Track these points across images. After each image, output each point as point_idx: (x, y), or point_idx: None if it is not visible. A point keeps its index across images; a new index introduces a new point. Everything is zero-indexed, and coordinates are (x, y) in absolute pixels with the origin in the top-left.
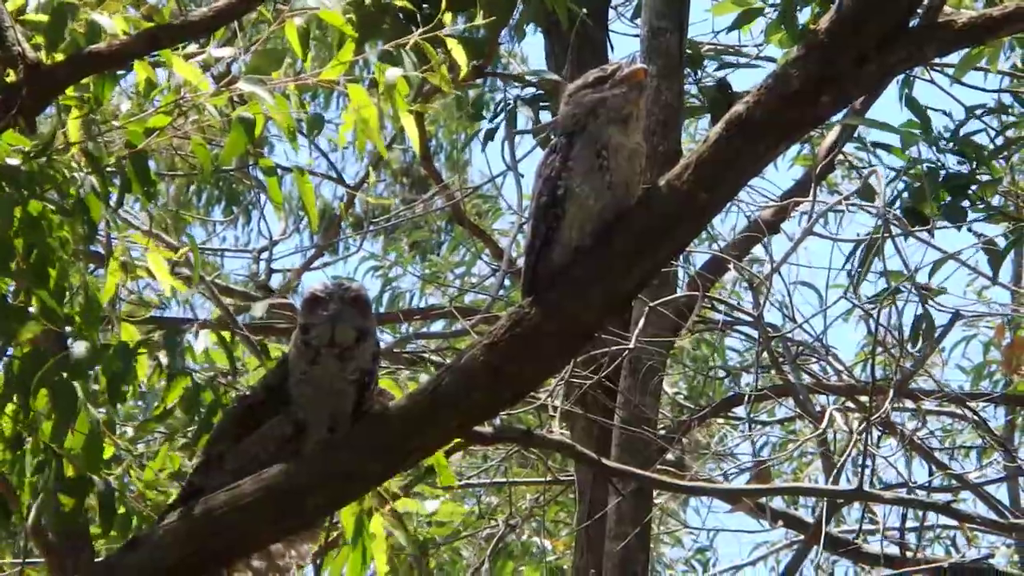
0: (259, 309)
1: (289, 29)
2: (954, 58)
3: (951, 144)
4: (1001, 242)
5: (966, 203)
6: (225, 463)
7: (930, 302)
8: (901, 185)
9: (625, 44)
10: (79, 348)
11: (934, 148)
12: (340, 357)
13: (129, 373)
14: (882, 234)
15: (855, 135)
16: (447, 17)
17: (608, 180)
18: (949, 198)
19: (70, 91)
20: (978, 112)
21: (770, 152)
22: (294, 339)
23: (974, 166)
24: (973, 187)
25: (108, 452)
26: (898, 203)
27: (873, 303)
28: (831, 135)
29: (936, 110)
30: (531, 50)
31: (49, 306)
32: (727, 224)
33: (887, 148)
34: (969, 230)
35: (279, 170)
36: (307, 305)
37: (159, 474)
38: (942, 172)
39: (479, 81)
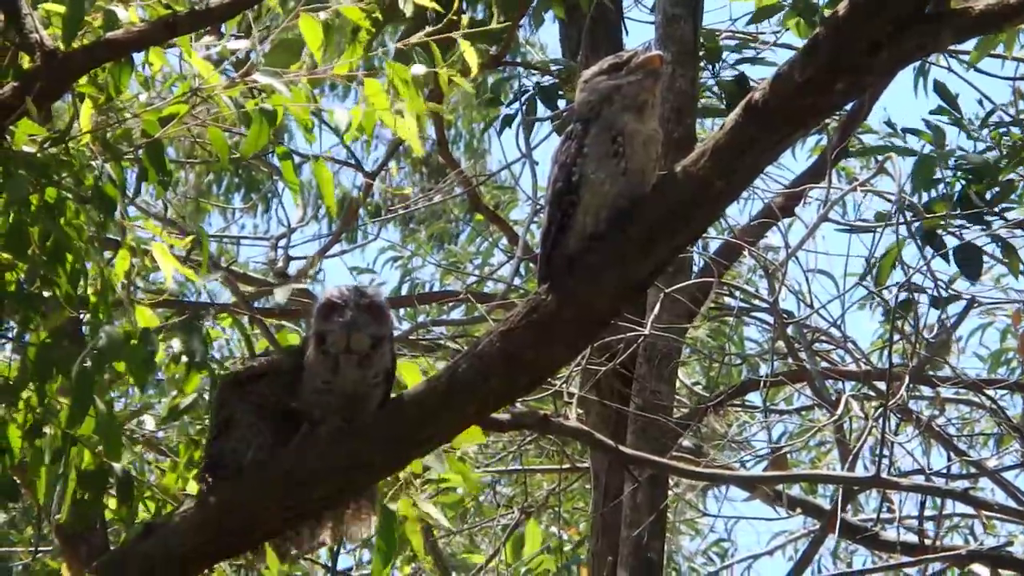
0: (281, 295)
1: (304, 23)
2: (969, 44)
3: (965, 163)
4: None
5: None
6: (233, 430)
7: (941, 287)
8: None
9: (641, 31)
10: (103, 337)
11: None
12: (360, 364)
13: (152, 362)
14: (897, 222)
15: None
16: (464, 19)
17: (623, 167)
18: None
19: (85, 81)
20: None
21: (786, 139)
22: (311, 347)
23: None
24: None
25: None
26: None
27: (879, 282)
28: (843, 121)
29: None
30: (547, 36)
31: (65, 292)
32: (744, 212)
33: (916, 133)
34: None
35: (297, 158)
36: (322, 311)
37: (182, 464)
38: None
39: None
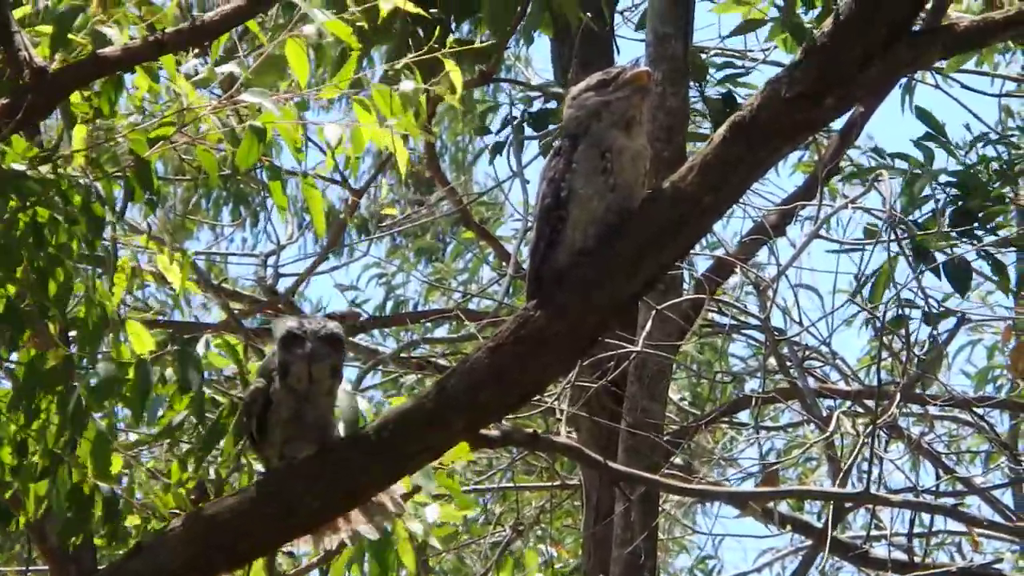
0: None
1: (290, 48)
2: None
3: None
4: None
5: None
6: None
7: (935, 306)
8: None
9: (632, 49)
10: (100, 370)
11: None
12: (328, 393)
13: (149, 395)
14: (888, 239)
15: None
16: (450, 40)
17: (612, 182)
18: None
19: (76, 98)
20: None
21: (774, 155)
22: (277, 380)
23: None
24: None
25: (117, 463)
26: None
27: (878, 307)
28: (834, 139)
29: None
30: (538, 53)
31: (53, 312)
32: (731, 228)
33: (904, 157)
34: (980, 254)
35: (285, 173)
36: (284, 343)
37: (172, 486)
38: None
39: (485, 89)
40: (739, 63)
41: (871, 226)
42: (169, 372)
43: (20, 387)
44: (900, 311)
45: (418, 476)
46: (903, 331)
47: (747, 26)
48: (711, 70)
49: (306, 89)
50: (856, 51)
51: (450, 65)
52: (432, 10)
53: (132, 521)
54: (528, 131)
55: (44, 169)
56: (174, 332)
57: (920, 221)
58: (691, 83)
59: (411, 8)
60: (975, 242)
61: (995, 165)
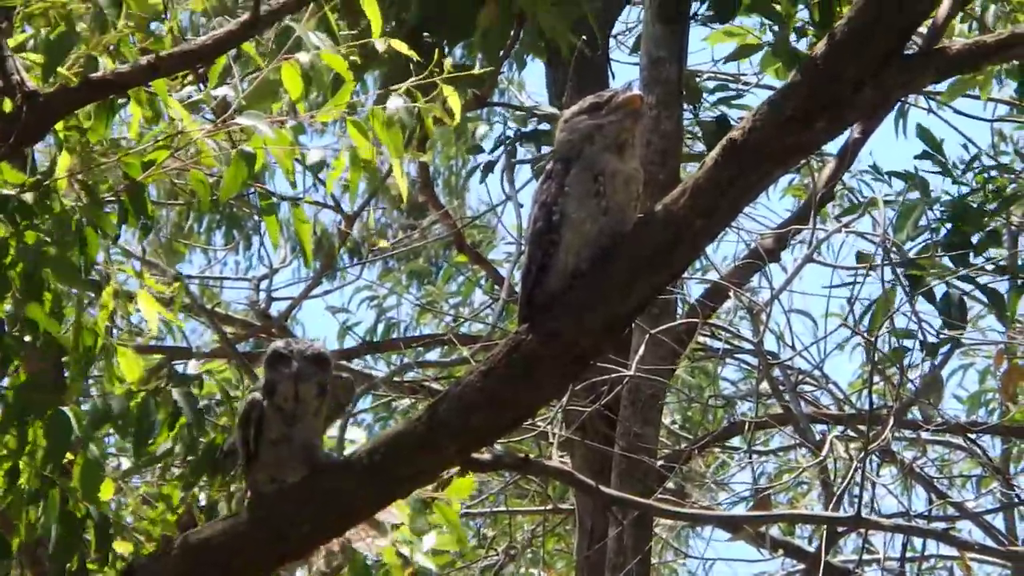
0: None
1: (285, 72)
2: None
3: (948, 212)
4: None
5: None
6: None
7: (928, 330)
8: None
9: (626, 73)
10: (95, 400)
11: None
12: (316, 413)
13: (151, 432)
14: (882, 264)
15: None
16: (447, 63)
17: (604, 206)
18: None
19: (60, 126)
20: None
21: (766, 178)
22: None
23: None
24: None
25: (108, 490)
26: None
27: (869, 329)
28: (831, 164)
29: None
30: (532, 77)
31: (45, 335)
32: (723, 251)
33: (903, 177)
34: (970, 280)
35: (277, 198)
36: (270, 362)
37: (163, 511)
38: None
39: (479, 111)
40: (733, 86)
41: (863, 252)
42: (162, 397)
43: (10, 412)
44: (895, 338)
45: (408, 508)
46: (896, 353)
47: (742, 52)
48: (705, 93)
49: (302, 113)
50: (849, 74)
51: (448, 91)
52: (424, 34)
53: (125, 548)
54: (521, 152)
55: (33, 195)
56: (167, 360)
57: (915, 249)
58: (686, 106)
59: (403, 49)
60: (970, 271)
61: (991, 186)
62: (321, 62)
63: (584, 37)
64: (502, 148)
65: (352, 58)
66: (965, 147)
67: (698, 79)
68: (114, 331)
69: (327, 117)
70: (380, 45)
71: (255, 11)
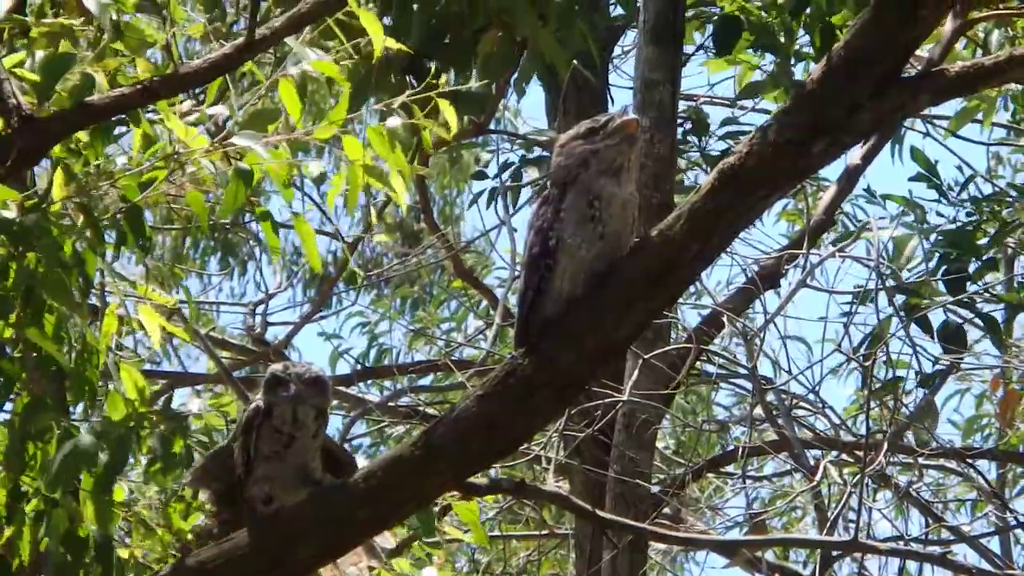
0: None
1: (283, 89)
2: (947, 109)
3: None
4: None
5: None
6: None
7: (924, 356)
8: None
9: (624, 97)
10: (89, 430)
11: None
12: (315, 435)
13: (124, 464)
14: (876, 286)
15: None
16: (443, 78)
17: (600, 231)
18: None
19: (58, 149)
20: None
21: (762, 202)
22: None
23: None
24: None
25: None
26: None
27: (866, 355)
28: (830, 191)
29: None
30: (532, 101)
31: (48, 356)
32: (716, 276)
33: (898, 200)
34: (966, 303)
35: (273, 224)
36: (268, 385)
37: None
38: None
39: (477, 139)
40: (732, 111)
41: (859, 286)
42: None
43: (14, 434)
44: (890, 364)
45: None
46: (892, 378)
47: (748, 91)
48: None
49: (299, 129)
50: (845, 97)
51: (444, 105)
52: (425, 59)
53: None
54: (526, 176)
55: (33, 217)
56: (169, 387)
57: (911, 276)
58: (693, 139)
59: (392, 44)
60: (966, 296)
61: (987, 206)
62: (314, 72)
63: (578, 62)
64: (507, 173)
65: (347, 62)
66: (960, 169)
67: (694, 102)
68: (110, 355)
69: (325, 133)
70: (376, 43)
71: (250, 35)
